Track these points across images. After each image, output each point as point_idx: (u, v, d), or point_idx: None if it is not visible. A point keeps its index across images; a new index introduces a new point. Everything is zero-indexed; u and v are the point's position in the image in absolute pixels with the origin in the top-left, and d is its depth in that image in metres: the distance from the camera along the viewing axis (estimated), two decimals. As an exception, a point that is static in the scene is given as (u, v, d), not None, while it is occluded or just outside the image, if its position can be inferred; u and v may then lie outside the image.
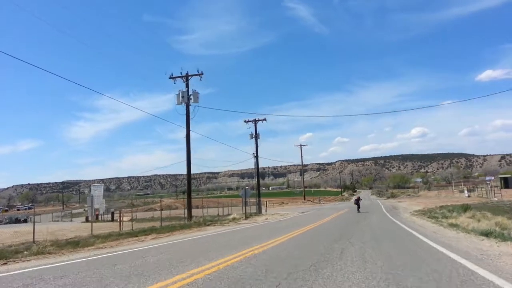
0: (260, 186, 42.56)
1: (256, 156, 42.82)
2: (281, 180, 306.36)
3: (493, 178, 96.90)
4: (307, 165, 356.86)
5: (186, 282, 5.92)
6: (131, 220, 29.25)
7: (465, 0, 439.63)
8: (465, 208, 23.51)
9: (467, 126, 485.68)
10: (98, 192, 47.95)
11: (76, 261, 9.23)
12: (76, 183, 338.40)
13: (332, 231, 15.41)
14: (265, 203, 42.46)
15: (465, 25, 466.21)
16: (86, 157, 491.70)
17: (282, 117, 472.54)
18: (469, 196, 57.31)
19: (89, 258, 9.66)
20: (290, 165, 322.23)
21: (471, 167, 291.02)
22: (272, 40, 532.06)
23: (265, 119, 43.05)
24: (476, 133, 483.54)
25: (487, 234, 11.46)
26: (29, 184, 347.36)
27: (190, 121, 27.02)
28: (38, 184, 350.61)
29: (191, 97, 26.72)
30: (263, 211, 38.82)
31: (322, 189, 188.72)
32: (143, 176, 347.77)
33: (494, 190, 53.00)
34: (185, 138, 26.86)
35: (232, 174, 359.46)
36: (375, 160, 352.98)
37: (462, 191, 71.25)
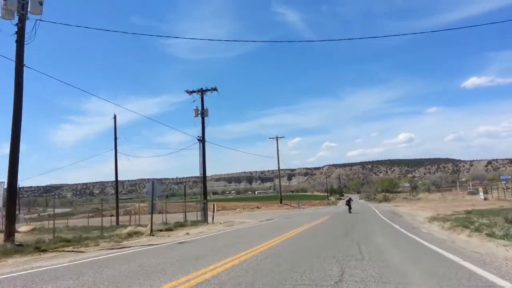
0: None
1: (203, 140, 32.37)
2: (268, 184, 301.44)
3: (509, 177, 79.49)
4: (294, 169, 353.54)
5: None
6: (31, 231, 24.74)
7: (451, 7, 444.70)
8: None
9: (453, 132, 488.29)
10: None
11: None
12: (59, 187, 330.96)
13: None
14: (212, 207, 36.28)
15: (451, 33, 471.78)
16: (69, 160, 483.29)
17: (271, 121, 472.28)
18: (485, 199, 45.56)
19: None
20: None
21: (458, 172, 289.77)
22: (260, 44, 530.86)
23: (215, 89, 32.76)
24: (461, 138, 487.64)
25: None
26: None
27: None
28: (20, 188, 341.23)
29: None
30: (210, 218, 33.13)
31: (309, 193, 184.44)
32: (128, 180, 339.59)
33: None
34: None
35: (219, 179, 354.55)
36: (363, 164, 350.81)
37: (473, 193, 61.50)
